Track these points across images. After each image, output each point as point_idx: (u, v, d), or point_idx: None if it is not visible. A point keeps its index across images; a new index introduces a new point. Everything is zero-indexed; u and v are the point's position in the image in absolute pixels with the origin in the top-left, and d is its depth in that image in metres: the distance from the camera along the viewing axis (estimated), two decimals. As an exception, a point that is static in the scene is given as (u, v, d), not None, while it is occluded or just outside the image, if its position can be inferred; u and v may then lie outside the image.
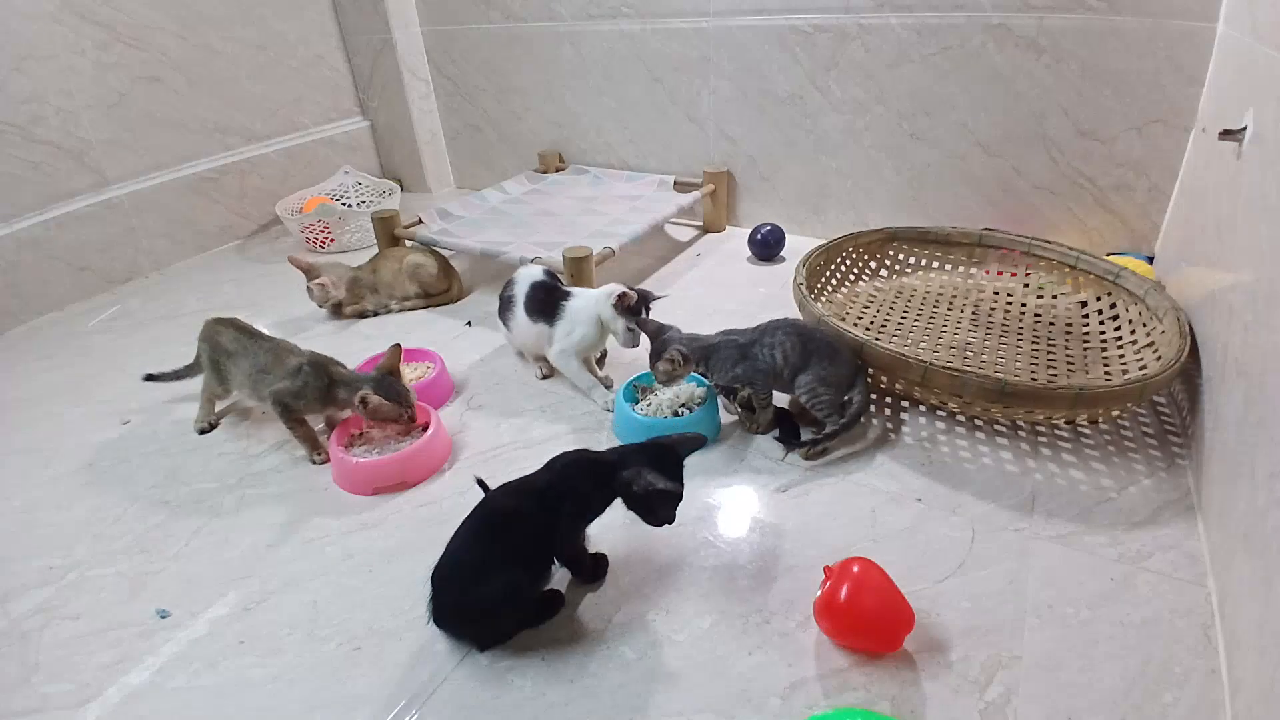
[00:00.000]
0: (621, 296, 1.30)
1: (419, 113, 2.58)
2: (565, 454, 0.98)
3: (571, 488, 0.93)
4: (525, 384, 1.48)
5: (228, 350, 1.32)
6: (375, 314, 1.82)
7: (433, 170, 2.70)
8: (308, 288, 1.73)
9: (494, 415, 1.39)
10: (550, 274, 1.47)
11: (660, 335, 1.26)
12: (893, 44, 1.76)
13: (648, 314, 1.34)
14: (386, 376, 1.23)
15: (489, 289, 1.86)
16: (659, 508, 0.93)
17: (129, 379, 1.46)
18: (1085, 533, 1.02)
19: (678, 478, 0.93)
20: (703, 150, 2.16)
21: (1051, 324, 1.48)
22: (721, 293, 1.81)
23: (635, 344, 1.34)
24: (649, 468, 0.91)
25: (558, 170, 2.40)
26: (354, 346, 1.60)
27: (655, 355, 1.24)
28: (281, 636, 0.95)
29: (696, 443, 0.98)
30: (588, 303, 1.36)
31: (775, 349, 1.20)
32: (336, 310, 1.80)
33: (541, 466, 0.97)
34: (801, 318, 1.33)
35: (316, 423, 1.33)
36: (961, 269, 1.68)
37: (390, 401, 1.21)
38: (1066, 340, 1.42)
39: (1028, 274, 1.60)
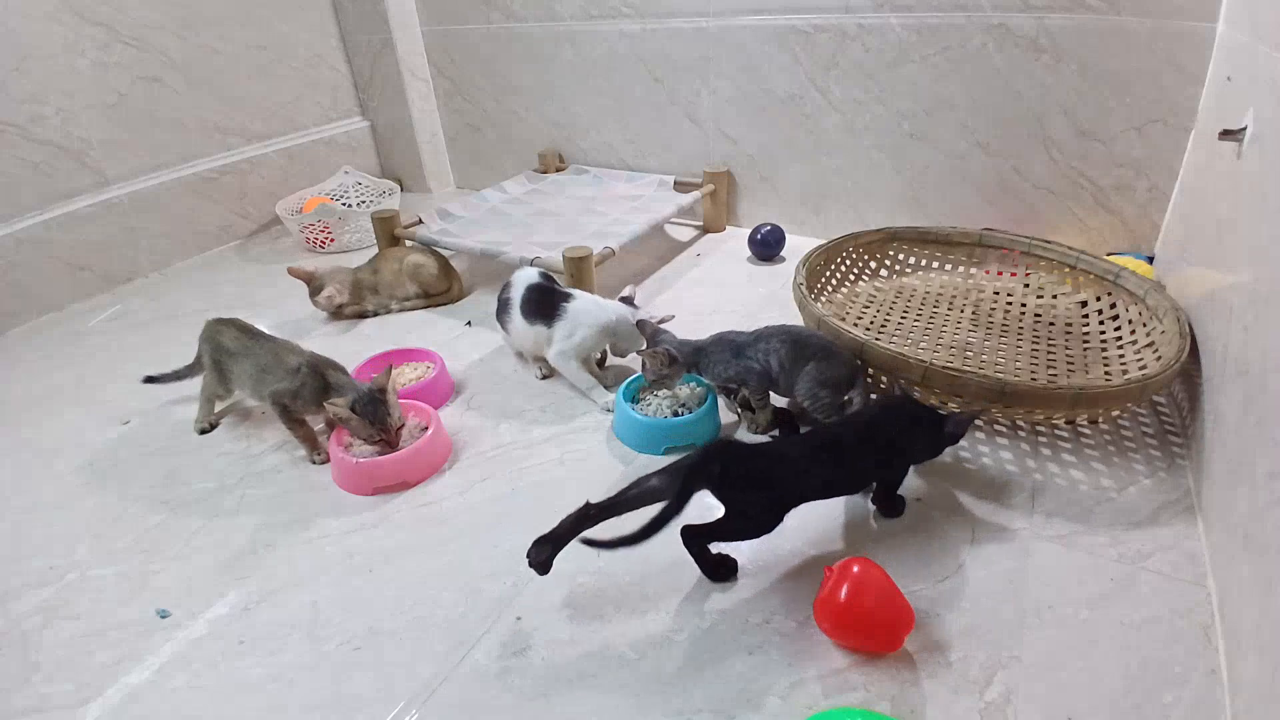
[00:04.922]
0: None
1: (419, 113, 2.58)
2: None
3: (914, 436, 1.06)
4: (525, 384, 1.48)
5: (229, 350, 1.32)
6: (376, 314, 1.82)
7: (433, 170, 2.70)
8: (313, 300, 1.73)
9: (494, 415, 1.39)
10: (546, 275, 1.47)
11: (656, 338, 1.29)
12: (893, 44, 1.76)
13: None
14: (373, 394, 1.19)
15: (489, 289, 1.86)
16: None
17: (129, 379, 1.46)
18: (1085, 533, 1.02)
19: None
20: (703, 150, 2.16)
21: (1051, 324, 1.48)
22: (721, 293, 1.81)
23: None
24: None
25: (558, 170, 2.40)
26: (355, 347, 1.60)
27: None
28: (281, 636, 0.95)
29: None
30: (594, 308, 1.37)
31: (771, 355, 1.21)
32: (337, 311, 1.79)
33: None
34: (800, 321, 1.34)
35: (316, 423, 1.33)
36: (961, 269, 1.68)
37: (363, 420, 1.18)
38: (1066, 340, 1.42)
39: (1028, 274, 1.60)
